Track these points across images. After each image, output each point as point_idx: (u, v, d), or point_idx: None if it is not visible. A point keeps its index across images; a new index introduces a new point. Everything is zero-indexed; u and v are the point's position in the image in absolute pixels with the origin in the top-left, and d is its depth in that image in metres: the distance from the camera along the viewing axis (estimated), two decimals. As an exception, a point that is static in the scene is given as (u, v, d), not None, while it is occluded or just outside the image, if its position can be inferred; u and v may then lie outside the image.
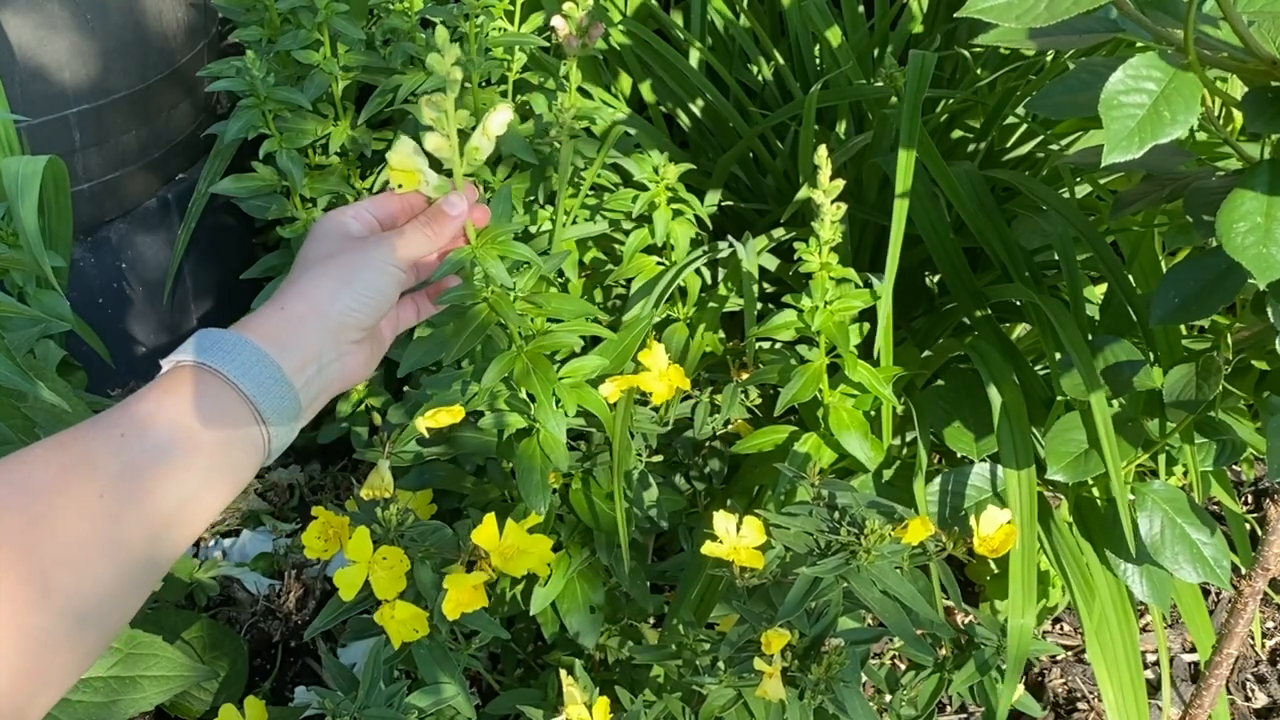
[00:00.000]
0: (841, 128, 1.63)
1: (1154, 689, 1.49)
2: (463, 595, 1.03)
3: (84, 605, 0.64)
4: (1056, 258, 1.34)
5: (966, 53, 1.61)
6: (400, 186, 0.90)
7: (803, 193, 1.38)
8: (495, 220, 0.95)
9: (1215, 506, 1.52)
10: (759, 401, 1.37)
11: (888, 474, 1.33)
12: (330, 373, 0.80)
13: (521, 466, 1.20)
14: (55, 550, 0.63)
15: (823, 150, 1.14)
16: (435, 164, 0.90)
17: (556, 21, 1.31)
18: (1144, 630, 1.56)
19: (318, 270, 0.82)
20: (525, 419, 1.21)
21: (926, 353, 1.44)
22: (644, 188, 1.38)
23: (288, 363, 0.76)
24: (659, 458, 1.35)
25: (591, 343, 1.33)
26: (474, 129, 0.90)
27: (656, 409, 1.30)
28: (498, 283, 1.03)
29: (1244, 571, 1.16)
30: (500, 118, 0.90)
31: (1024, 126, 1.58)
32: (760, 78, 1.74)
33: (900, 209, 1.21)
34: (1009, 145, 1.62)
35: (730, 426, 1.39)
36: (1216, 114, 1.02)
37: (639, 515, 1.28)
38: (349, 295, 0.81)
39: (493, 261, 0.94)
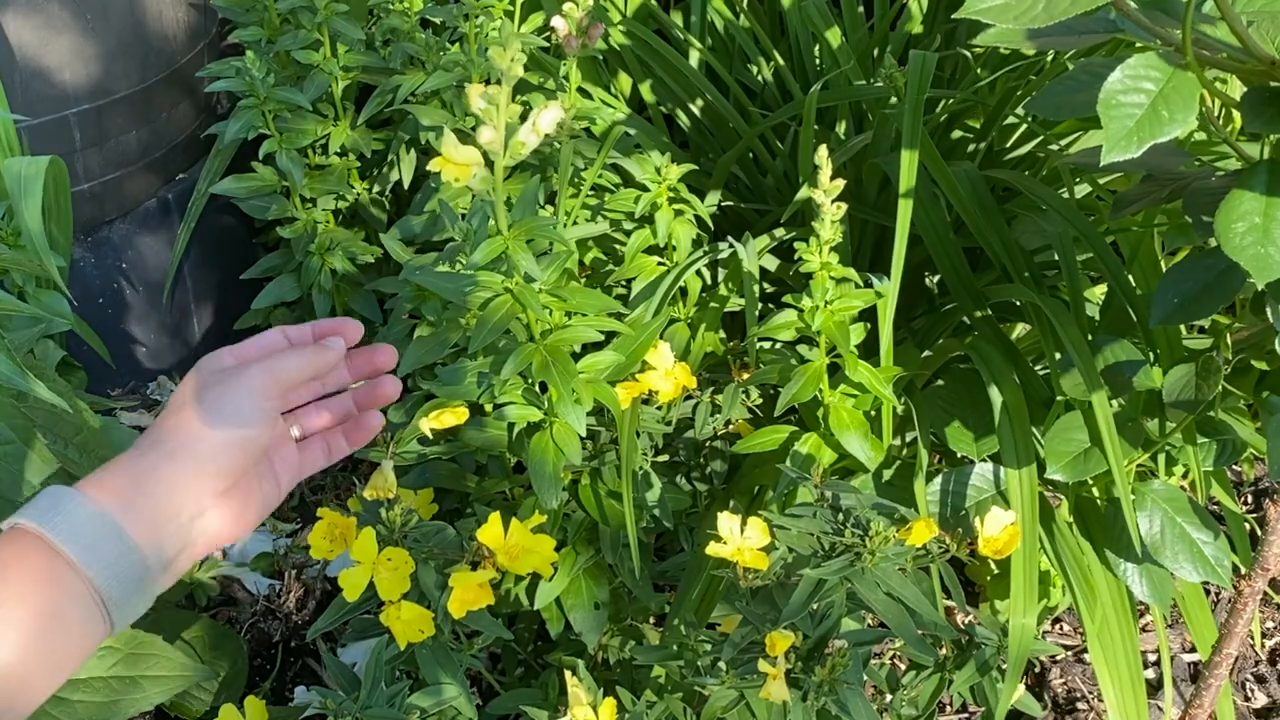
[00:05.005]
0: (841, 128, 1.63)
1: (1154, 689, 1.49)
2: (468, 593, 1.03)
3: None
4: (1056, 258, 1.34)
5: (967, 53, 1.61)
6: (456, 180, 0.89)
7: (803, 193, 1.38)
8: (522, 216, 0.95)
9: (1215, 506, 1.52)
10: (760, 401, 1.37)
11: (888, 474, 1.33)
12: (192, 530, 0.70)
13: (534, 461, 1.19)
14: None
15: (823, 150, 1.14)
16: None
17: (556, 21, 1.31)
18: (1144, 630, 1.57)
19: (181, 414, 0.73)
20: (540, 413, 1.21)
21: (926, 353, 1.44)
22: (645, 188, 1.38)
23: (135, 523, 0.67)
24: (663, 457, 1.35)
25: (605, 337, 1.33)
26: (522, 123, 0.90)
27: (660, 408, 1.31)
28: (522, 273, 1.02)
29: (1244, 571, 1.16)
30: (551, 115, 0.90)
31: (1024, 126, 1.58)
32: (760, 78, 1.74)
33: (904, 209, 1.21)
34: (1009, 145, 1.62)
35: (731, 426, 1.39)
36: (1216, 114, 1.02)
37: (645, 514, 1.28)
38: (211, 437, 0.71)
39: (522, 253, 0.94)
